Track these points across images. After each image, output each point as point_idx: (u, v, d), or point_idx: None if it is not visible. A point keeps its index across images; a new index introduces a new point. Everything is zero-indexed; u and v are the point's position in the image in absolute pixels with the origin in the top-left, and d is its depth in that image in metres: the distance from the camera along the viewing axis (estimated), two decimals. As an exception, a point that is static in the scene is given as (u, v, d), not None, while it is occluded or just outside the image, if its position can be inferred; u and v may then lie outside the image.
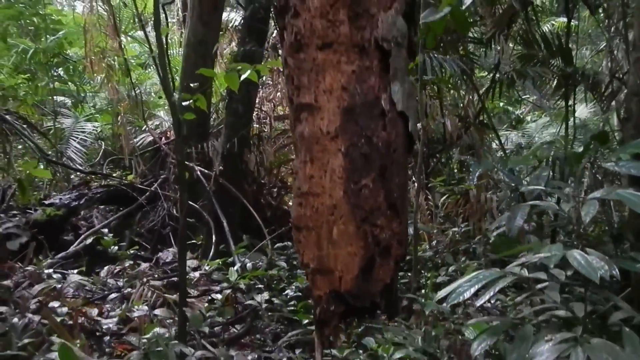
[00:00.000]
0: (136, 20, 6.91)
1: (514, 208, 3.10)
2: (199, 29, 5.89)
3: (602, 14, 7.08)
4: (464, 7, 3.42)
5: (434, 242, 6.14)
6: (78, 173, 6.96)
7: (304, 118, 1.55)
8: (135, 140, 7.10)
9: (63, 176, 6.20)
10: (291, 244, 5.36)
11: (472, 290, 2.17)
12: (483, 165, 3.35)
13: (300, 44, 1.54)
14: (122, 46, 6.28)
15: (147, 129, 7.05)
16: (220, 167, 5.26)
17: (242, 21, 5.50)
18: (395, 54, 1.50)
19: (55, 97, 8.22)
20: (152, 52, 4.50)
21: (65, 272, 3.71)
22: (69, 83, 8.03)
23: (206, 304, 3.44)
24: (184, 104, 3.32)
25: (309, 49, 1.53)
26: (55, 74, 8.14)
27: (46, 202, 4.91)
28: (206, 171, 5.41)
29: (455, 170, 7.77)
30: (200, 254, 5.21)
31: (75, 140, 8.11)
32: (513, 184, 3.38)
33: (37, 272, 3.63)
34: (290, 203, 7.38)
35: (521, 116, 12.65)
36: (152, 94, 10.28)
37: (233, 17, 9.86)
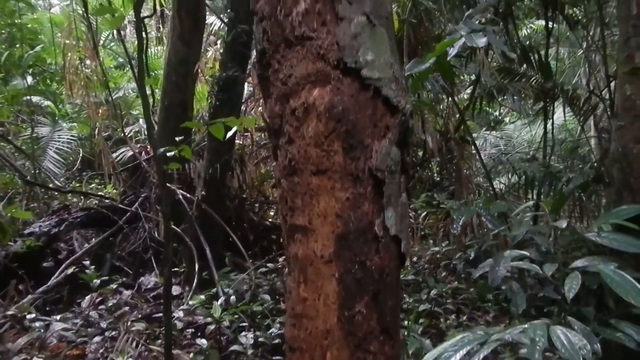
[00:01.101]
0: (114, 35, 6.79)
1: (497, 257, 3.17)
2: (179, 48, 5.82)
3: (580, 29, 7.15)
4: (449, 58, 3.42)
5: (414, 258, 6.24)
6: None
7: (298, 239, 1.56)
8: (114, 155, 7.02)
9: (41, 198, 6.10)
10: (273, 265, 5.40)
11: (458, 356, 2.22)
12: (466, 212, 3.38)
13: (294, 169, 1.55)
14: (101, 62, 6.18)
15: (127, 144, 6.97)
16: (203, 192, 5.24)
17: (224, 45, 5.43)
18: (389, 181, 1.52)
19: (32, 97, 8.07)
20: (133, 73, 4.43)
21: (47, 318, 3.66)
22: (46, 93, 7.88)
23: (191, 355, 3.44)
24: (168, 154, 3.29)
25: (303, 174, 1.53)
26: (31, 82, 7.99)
27: (25, 231, 4.84)
28: (188, 195, 5.38)
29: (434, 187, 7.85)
30: (183, 279, 5.20)
31: (52, 149, 7.99)
32: (496, 229, 3.43)
33: (19, 316, 3.60)
34: (271, 217, 7.42)
35: (499, 117, 12.75)
36: (131, 90, 10.06)
37: (213, 20, 9.75)
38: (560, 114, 10.03)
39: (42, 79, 7.78)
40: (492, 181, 6.62)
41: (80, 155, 8.96)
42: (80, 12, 6.19)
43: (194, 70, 5.94)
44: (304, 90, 1.52)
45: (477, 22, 3.24)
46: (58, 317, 3.68)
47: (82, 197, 6.31)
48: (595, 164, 6.81)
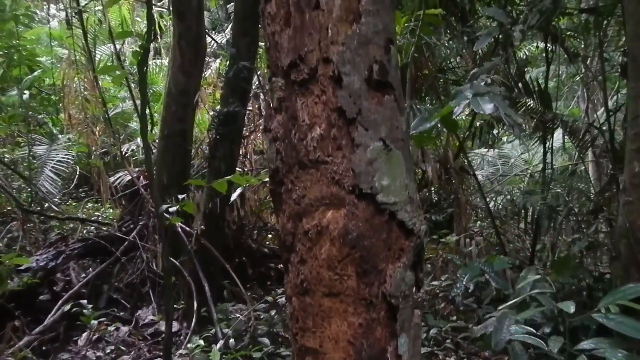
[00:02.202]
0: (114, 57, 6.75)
1: (500, 317, 3.16)
2: (180, 79, 5.80)
3: (580, 62, 7.17)
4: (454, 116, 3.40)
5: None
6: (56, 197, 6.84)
7: (309, 362, 1.54)
8: (112, 179, 6.98)
9: (38, 226, 6.05)
10: (272, 299, 5.38)
11: None
12: (470, 270, 3.37)
13: (306, 289, 1.53)
14: (100, 87, 6.13)
15: (126, 167, 6.94)
16: (202, 227, 5.21)
17: (224, 81, 5.42)
18: (403, 306, 1.50)
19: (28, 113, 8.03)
20: (135, 106, 4.39)
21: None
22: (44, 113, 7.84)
23: (192, 413, 3.42)
24: (171, 209, 3.27)
25: (315, 295, 1.52)
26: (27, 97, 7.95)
27: (22, 266, 4.80)
28: (187, 228, 5.35)
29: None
30: (181, 315, 5.17)
31: (48, 168, 7.94)
32: (499, 286, 3.43)
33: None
34: (270, 241, 7.39)
35: (497, 135, 12.77)
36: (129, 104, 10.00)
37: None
38: (558, 135, 10.04)
39: (39, 99, 7.73)
40: (494, 218, 6.61)
41: (77, 172, 8.92)
42: (79, 36, 6.14)
43: (194, 100, 5.92)
44: (317, 212, 1.51)
45: (482, 82, 3.23)
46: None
47: (79, 223, 6.25)
48: (593, 197, 6.83)
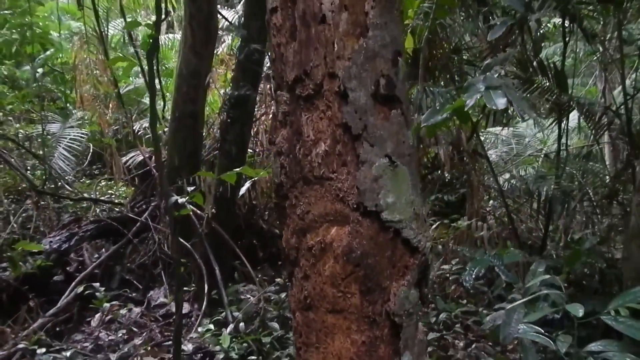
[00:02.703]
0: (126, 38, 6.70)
1: (509, 311, 3.14)
2: (191, 60, 5.76)
3: (599, 44, 7.00)
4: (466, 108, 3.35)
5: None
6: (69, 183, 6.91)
7: (312, 377, 1.55)
8: (124, 160, 7.01)
9: (51, 206, 6.10)
10: (282, 281, 5.42)
11: None
12: (480, 263, 3.36)
13: (309, 305, 1.53)
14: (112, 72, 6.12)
15: (138, 148, 6.96)
16: (213, 210, 5.23)
17: (235, 63, 5.37)
18: (407, 324, 1.49)
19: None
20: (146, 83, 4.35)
21: (57, 355, 3.67)
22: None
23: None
24: (180, 201, 3.27)
25: (319, 311, 1.52)
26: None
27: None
28: (198, 211, 5.37)
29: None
30: (192, 297, 5.23)
31: (62, 146, 7.97)
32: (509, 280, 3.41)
33: (29, 349, 3.65)
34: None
35: (511, 114, 12.60)
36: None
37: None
38: (574, 114, 9.90)
39: (53, 76, 7.74)
40: (506, 202, 6.56)
41: (91, 149, 8.95)
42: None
43: (205, 81, 5.88)
44: (321, 228, 1.50)
45: (496, 74, 3.16)
46: (68, 352, 3.68)
47: (93, 203, 6.31)
48: (609, 181, 6.75)
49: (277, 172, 1.55)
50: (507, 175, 9.75)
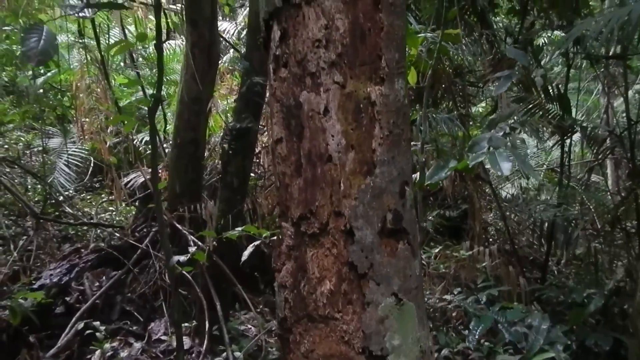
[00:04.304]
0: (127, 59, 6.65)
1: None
2: (192, 87, 5.72)
3: (602, 69, 6.96)
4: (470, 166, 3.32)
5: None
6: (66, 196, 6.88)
7: None
8: (125, 181, 6.98)
9: (53, 234, 6.08)
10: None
11: None
12: (483, 321, 3.34)
13: None
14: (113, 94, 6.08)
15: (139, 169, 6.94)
16: (214, 243, 5.21)
17: (237, 95, 5.33)
18: None
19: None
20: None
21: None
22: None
23: None
24: (181, 259, 3.26)
25: None
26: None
27: (36, 284, 4.85)
28: (200, 243, 5.35)
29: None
30: (193, 330, 5.22)
31: (62, 161, 7.95)
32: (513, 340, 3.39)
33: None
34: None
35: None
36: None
37: (226, 27, 9.59)
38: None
39: (54, 93, 7.70)
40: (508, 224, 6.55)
41: (92, 162, 8.92)
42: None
43: (207, 108, 5.85)
44: (326, 365, 1.47)
45: (501, 132, 3.13)
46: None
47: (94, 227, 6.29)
48: (612, 208, 6.71)
49: (281, 305, 1.52)
50: (509, 187, 9.75)
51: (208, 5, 5.39)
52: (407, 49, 4.57)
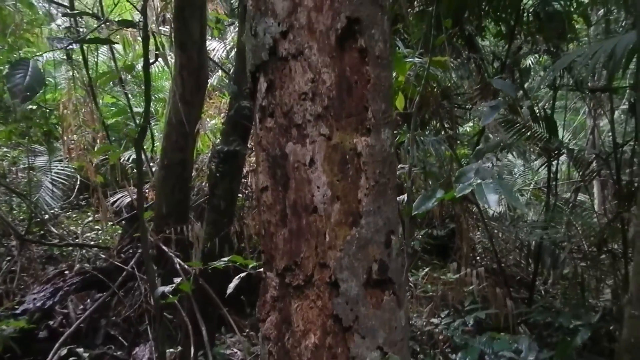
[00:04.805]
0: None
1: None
2: (181, 109, 5.70)
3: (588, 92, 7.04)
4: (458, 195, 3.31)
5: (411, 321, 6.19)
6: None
7: None
8: (112, 201, 6.93)
9: (37, 256, 6.01)
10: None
11: None
12: (470, 354, 3.33)
13: None
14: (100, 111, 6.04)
15: (126, 189, 6.89)
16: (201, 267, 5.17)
17: (225, 118, 5.33)
18: None
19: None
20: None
21: None
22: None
23: None
24: (166, 290, 3.23)
25: None
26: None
27: (19, 309, 4.78)
28: (186, 266, 5.30)
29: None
30: (178, 356, 5.16)
31: (48, 179, 7.88)
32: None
33: None
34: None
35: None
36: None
37: (215, 46, 9.60)
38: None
39: (40, 112, 7.65)
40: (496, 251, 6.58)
41: (78, 180, 8.85)
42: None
43: (194, 129, 5.84)
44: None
45: (489, 164, 3.13)
46: None
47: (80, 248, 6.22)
48: (598, 231, 6.75)
49: (265, 358, 1.50)
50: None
51: (197, 29, 5.40)
52: (394, 76, 4.59)
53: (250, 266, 3.10)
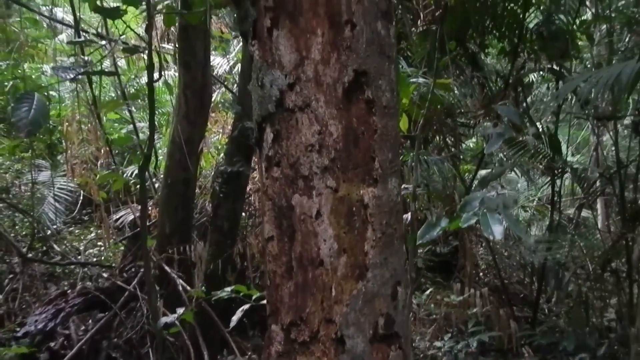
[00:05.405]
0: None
1: None
2: (185, 128, 5.71)
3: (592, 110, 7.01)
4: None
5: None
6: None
7: None
8: (115, 217, 6.92)
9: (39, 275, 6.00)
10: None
11: None
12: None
13: None
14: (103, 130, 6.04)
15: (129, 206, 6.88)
16: (203, 288, 5.15)
17: (229, 139, 5.33)
18: None
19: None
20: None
21: None
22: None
23: None
24: (165, 321, 3.21)
25: None
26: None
27: (20, 332, 4.75)
28: (188, 288, 5.28)
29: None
30: (180, 380, 5.13)
31: (51, 195, 7.87)
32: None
33: None
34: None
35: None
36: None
37: (219, 62, 9.62)
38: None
39: (45, 128, 7.67)
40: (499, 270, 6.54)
41: (81, 195, 8.85)
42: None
43: (198, 148, 5.84)
44: None
45: (494, 192, 3.11)
46: None
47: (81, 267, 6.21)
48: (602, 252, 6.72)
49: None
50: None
51: (201, 48, 5.41)
52: (399, 98, 4.57)
53: (254, 297, 3.08)
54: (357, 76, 1.39)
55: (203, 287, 5.18)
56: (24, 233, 7.61)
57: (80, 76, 2.34)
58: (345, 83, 1.38)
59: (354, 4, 1.37)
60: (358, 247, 1.42)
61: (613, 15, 6.63)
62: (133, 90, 8.47)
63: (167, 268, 5.56)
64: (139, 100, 9.34)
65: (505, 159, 6.98)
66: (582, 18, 6.99)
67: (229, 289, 3.14)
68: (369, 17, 1.39)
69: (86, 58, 2.92)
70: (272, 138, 1.45)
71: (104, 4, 2.83)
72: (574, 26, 6.46)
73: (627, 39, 7.37)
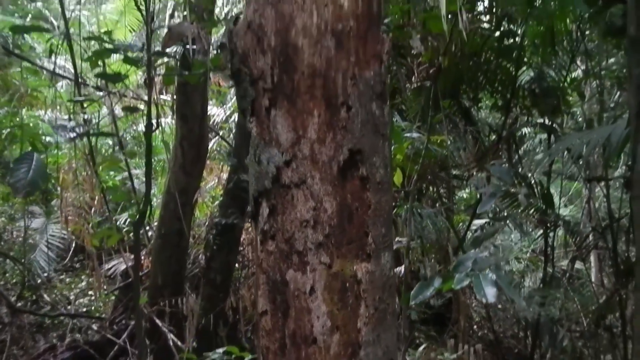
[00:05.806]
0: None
1: None
2: (180, 179, 5.74)
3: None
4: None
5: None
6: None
7: None
8: (106, 268, 6.87)
9: (29, 326, 5.91)
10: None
11: None
12: None
13: None
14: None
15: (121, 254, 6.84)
16: (194, 344, 5.08)
17: (224, 191, 5.36)
18: None
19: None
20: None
21: None
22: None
23: None
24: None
25: None
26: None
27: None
28: (179, 343, 5.21)
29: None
30: None
31: (43, 243, 7.82)
32: None
33: None
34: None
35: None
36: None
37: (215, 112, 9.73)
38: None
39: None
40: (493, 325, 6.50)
41: (73, 243, 8.80)
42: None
43: (193, 199, 5.86)
44: None
45: (486, 253, 3.14)
46: None
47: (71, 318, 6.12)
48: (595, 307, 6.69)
49: None
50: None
51: (199, 102, 5.50)
52: (393, 155, 4.63)
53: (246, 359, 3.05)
54: (352, 154, 1.43)
55: (194, 343, 5.12)
56: (14, 281, 7.53)
57: (78, 138, 2.38)
58: (341, 161, 1.42)
59: (349, 87, 1.42)
60: (351, 324, 1.42)
61: (603, 72, 6.79)
62: (129, 136, 8.52)
63: (158, 321, 5.50)
64: (136, 147, 9.40)
65: (498, 211, 7.02)
66: (573, 75, 7.15)
67: (221, 350, 3.10)
68: (364, 99, 1.43)
69: (85, 116, 2.97)
70: (268, 213, 1.48)
71: (105, 61, 2.90)
72: (565, 83, 6.60)
73: (617, 95, 7.52)
